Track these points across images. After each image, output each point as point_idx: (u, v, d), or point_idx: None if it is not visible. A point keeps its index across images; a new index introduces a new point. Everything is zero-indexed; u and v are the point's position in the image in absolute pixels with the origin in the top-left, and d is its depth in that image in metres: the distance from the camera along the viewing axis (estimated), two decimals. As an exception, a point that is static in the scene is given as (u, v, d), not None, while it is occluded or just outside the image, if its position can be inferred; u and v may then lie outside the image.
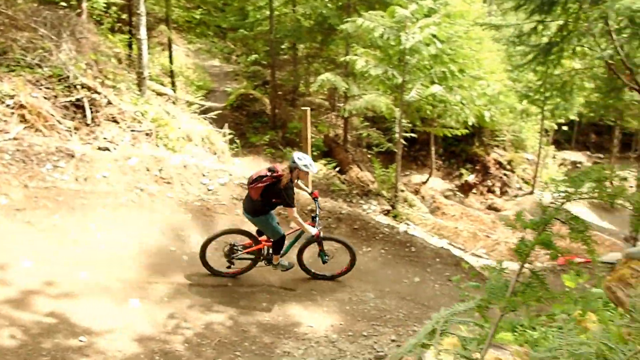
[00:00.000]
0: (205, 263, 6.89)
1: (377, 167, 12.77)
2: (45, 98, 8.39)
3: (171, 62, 15.49)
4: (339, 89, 12.76)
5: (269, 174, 6.32)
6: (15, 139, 7.69)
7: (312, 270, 7.26)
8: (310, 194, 7.14)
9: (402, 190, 12.47)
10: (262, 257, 6.99)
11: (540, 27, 6.66)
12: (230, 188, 8.45)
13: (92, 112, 8.62)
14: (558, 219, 1.86)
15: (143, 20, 9.69)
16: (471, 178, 20.02)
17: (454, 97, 11.69)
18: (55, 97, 8.52)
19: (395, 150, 11.94)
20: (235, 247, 6.85)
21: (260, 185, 6.30)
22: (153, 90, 11.71)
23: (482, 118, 13.11)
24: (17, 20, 8.90)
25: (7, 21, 8.86)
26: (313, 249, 7.10)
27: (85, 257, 6.73)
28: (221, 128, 11.26)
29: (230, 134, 11.56)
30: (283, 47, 15.67)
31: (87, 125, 8.53)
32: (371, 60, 11.24)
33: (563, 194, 1.83)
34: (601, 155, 35.82)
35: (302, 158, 6.31)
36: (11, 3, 9.15)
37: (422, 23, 11.03)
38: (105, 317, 5.60)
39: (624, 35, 5.82)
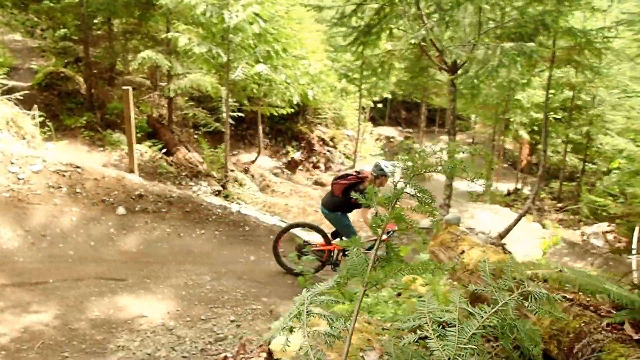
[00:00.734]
0: (276, 255, 7.13)
1: (206, 147, 12.53)
2: None
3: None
4: (161, 67, 12.20)
5: (354, 174, 6.62)
6: None
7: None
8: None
9: (232, 170, 12.41)
10: (330, 261, 7.13)
11: (360, 9, 7.01)
12: (46, 176, 7.71)
13: None
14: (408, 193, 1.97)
15: None
16: (297, 155, 20.58)
17: (278, 76, 11.84)
18: None
19: (223, 130, 11.81)
20: (306, 244, 7.01)
21: (344, 182, 6.52)
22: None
23: (305, 97, 13.48)
24: None
25: None
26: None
27: None
28: (29, 110, 10.16)
29: (40, 116, 10.48)
30: (96, 21, 14.50)
31: None
32: (194, 38, 10.90)
33: (411, 169, 1.93)
34: (411, 130, 39.13)
35: (388, 166, 6.32)
36: None
37: (245, 1, 10.95)
38: None
39: (434, 19, 6.36)
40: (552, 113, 19.39)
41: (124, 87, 8.23)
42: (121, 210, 7.61)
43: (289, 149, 20.63)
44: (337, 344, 2.73)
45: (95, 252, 7.02)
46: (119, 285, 6.62)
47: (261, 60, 11.25)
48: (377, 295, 4.38)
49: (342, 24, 7.18)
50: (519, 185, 22.84)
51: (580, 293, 2.43)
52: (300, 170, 20.48)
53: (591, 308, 2.31)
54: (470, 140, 40.45)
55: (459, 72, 7.28)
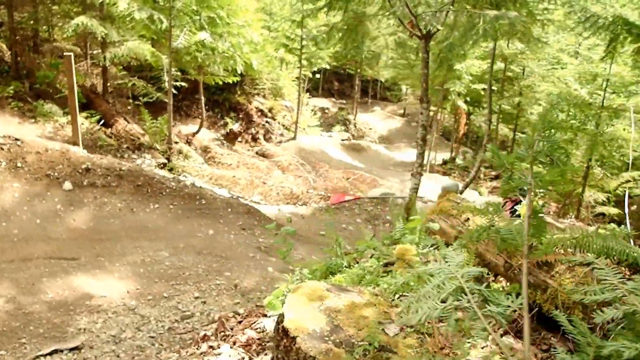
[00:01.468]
0: None
1: (148, 118, 11.98)
2: None
3: None
4: (96, 34, 11.46)
5: None
6: None
7: None
8: None
9: (176, 142, 11.96)
10: None
11: None
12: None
13: None
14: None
15: None
16: (236, 127, 20.16)
17: (223, 44, 11.43)
18: None
19: (166, 100, 11.33)
20: None
21: None
22: None
23: (250, 66, 13.12)
24: None
25: None
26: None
27: None
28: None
29: (-38, 85, 9.67)
30: (19, -18, 13.45)
31: None
32: (134, 3, 10.30)
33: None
34: (344, 101, 39.29)
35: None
36: None
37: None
38: None
39: None
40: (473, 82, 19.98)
41: (65, 54, 7.67)
42: (67, 185, 7.15)
43: (228, 120, 20.14)
44: (354, 319, 2.65)
45: (42, 230, 6.58)
46: (71, 265, 6.25)
47: (205, 27, 10.79)
48: (362, 265, 4.31)
49: None
50: (454, 154, 23.49)
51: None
52: (239, 142, 20.09)
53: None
54: (402, 112, 41.18)
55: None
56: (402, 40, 17.41)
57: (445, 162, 22.25)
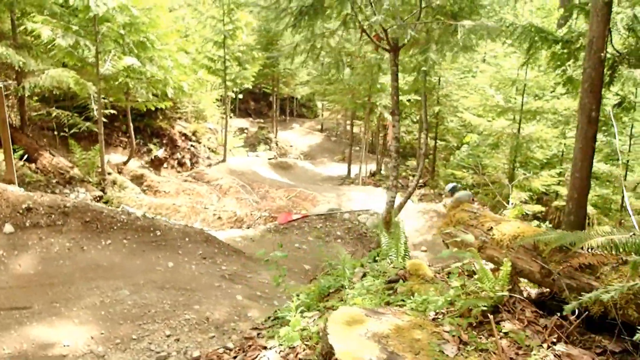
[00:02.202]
0: None
1: (78, 150, 11.30)
2: None
3: None
4: (14, 64, 10.70)
5: None
6: None
7: None
8: None
9: (109, 173, 11.35)
10: None
11: None
12: None
13: None
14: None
15: None
16: (160, 153, 19.52)
17: (152, 68, 11.02)
18: None
19: (95, 129, 10.76)
20: None
21: None
22: None
23: (180, 89, 12.74)
24: None
25: None
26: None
27: None
28: None
29: None
30: None
31: None
32: (59, 30, 9.73)
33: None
34: (262, 120, 39.24)
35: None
36: None
37: (112, -13, 10.04)
38: None
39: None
40: (406, 95, 20.53)
41: (-6, 85, 7.08)
42: (8, 227, 6.57)
43: (151, 146, 19.45)
44: (406, 343, 2.56)
45: (-14, 280, 5.99)
46: (24, 315, 5.73)
47: (135, 51, 10.37)
48: (364, 285, 4.23)
49: (277, 7, 6.77)
50: (380, 166, 23.94)
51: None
52: (165, 167, 19.46)
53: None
54: (320, 127, 41.66)
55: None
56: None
57: (373, 174, 22.63)
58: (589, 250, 2.71)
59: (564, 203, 17.55)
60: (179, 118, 21.77)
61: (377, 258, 5.11)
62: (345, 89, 18.87)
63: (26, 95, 11.45)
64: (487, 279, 2.74)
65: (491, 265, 3.37)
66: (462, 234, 2.92)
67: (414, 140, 25.51)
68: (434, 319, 2.87)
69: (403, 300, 3.64)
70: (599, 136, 14.95)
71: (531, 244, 2.80)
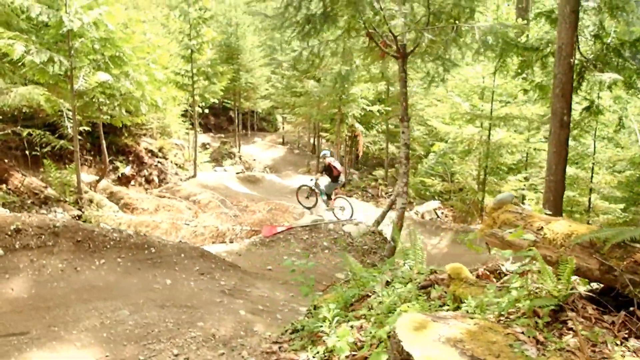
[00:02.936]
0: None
1: (52, 169, 10.90)
2: None
3: None
4: (-21, 81, 10.31)
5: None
6: None
7: None
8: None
9: (86, 192, 11.00)
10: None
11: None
12: None
13: None
14: None
15: None
16: (127, 170, 19.10)
17: (129, 83, 10.78)
18: None
19: (69, 147, 10.43)
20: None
21: None
22: None
23: (154, 105, 12.50)
24: None
25: None
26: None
27: None
28: None
29: None
30: None
31: None
32: (32, 46, 9.43)
33: None
34: (222, 135, 38.99)
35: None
36: None
37: (85, 2, 9.81)
38: None
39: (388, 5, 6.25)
40: (376, 106, 20.80)
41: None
42: (-3, 251, 6.28)
43: (118, 164, 19.00)
44: (484, 346, 2.53)
45: (-23, 306, 5.69)
46: (22, 341, 5.44)
47: (112, 66, 10.12)
48: (394, 292, 4.20)
49: (287, 15, 6.67)
50: (350, 177, 24.07)
51: None
52: (132, 185, 19.03)
53: None
54: (281, 140, 41.68)
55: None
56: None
57: (343, 185, 22.68)
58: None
59: (533, 207, 18.04)
60: (144, 134, 21.38)
61: (394, 265, 5.09)
62: (313, 101, 18.91)
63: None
64: (550, 278, 2.76)
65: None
66: (527, 234, 2.93)
67: (380, 150, 25.76)
68: (499, 321, 2.86)
69: (442, 305, 3.64)
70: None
71: (587, 241, 2.84)
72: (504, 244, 3.31)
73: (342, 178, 13.60)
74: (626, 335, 2.62)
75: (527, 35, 14.07)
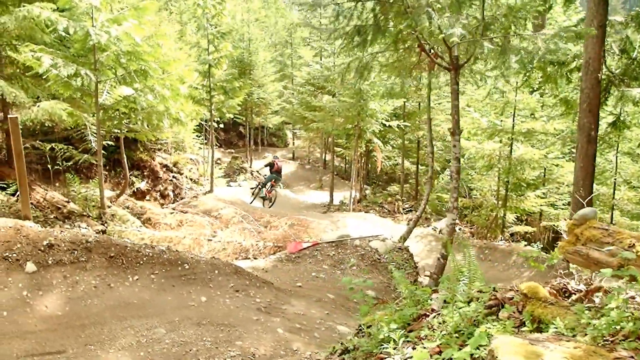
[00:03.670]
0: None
1: (76, 184, 10.80)
2: None
3: None
4: (5, 97, 10.20)
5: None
6: None
7: None
8: None
9: (109, 206, 10.87)
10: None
11: (359, 5, 6.39)
12: None
13: None
14: None
15: None
16: (143, 185, 18.98)
17: (152, 97, 10.68)
18: None
19: (94, 161, 10.34)
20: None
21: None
22: None
23: (177, 120, 12.40)
24: None
25: None
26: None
27: None
28: None
29: None
30: None
31: None
32: (59, 59, 9.36)
33: None
34: (232, 150, 38.98)
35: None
36: None
37: (112, 15, 9.76)
38: None
39: (443, 14, 6.11)
40: (387, 120, 20.66)
41: (10, 115, 6.66)
42: (30, 266, 6.12)
43: (133, 179, 18.89)
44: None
45: (13, 324, 5.52)
46: (56, 360, 5.28)
47: (137, 80, 10.04)
48: (457, 311, 4.00)
49: (336, 25, 6.54)
50: (363, 192, 23.90)
51: None
52: (147, 200, 18.91)
53: None
54: (291, 156, 41.64)
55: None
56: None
57: (359, 200, 22.54)
58: None
59: (553, 223, 17.80)
60: (159, 149, 21.30)
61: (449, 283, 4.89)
62: (330, 116, 18.82)
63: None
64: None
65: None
66: (625, 252, 2.76)
67: (395, 165, 25.62)
68: (598, 345, 2.67)
69: (519, 326, 3.45)
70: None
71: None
72: (589, 261, 3.13)
73: (281, 176, 19.21)
74: None
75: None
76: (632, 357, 2.46)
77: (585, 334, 2.85)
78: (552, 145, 15.64)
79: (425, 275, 12.04)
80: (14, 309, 5.73)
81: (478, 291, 4.37)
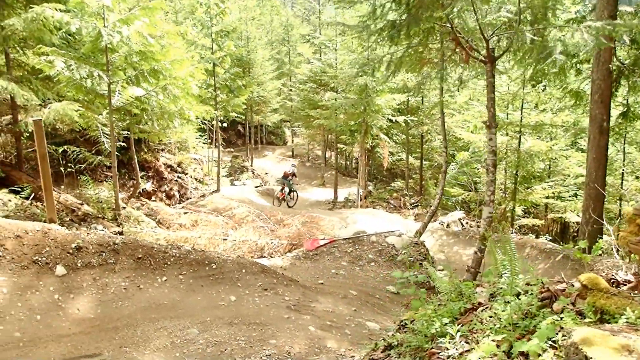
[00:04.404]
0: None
1: (91, 186, 10.73)
2: None
3: None
4: (16, 99, 10.13)
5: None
6: None
7: None
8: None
9: (124, 207, 10.82)
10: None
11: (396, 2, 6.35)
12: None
13: None
14: None
15: None
16: (148, 186, 18.89)
17: (166, 98, 10.62)
18: None
19: (109, 164, 10.27)
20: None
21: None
22: None
23: (188, 120, 12.34)
24: None
25: None
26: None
27: None
28: None
29: None
30: None
31: None
32: (71, 61, 9.29)
33: None
34: (232, 149, 38.88)
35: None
36: None
37: (123, 15, 9.69)
38: None
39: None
40: (393, 115, 20.62)
41: (34, 118, 6.60)
42: (60, 269, 6.08)
43: (135, 180, 18.78)
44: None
45: (47, 327, 5.49)
46: (93, 362, 5.25)
47: (149, 80, 9.97)
48: (512, 304, 3.98)
49: (377, 17, 6.45)
50: (368, 188, 23.87)
51: None
52: (153, 200, 18.83)
53: None
54: (290, 153, 41.58)
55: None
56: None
57: (366, 197, 22.52)
58: None
59: (560, 215, 17.83)
60: (162, 150, 21.21)
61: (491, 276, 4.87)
62: (334, 112, 18.77)
63: (30, 130, 10.88)
64: None
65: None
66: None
67: (398, 161, 25.61)
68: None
69: (581, 317, 3.43)
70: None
71: None
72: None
73: (288, 178, 20.67)
74: None
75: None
76: None
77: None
78: (562, 138, 15.66)
79: (438, 270, 12.04)
80: (47, 313, 5.69)
81: (526, 284, 4.35)
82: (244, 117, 33.65)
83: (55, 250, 6.23)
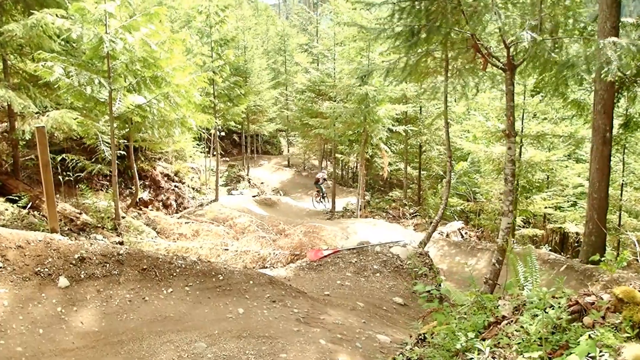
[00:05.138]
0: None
1: (89, 195, 10.55)
2: None
3: None
4: (13, 107, 9.94)
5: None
6: None
7: None
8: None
9: (124, 217, 10.62)
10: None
11: (415, 6, 6.22)
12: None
13: None
14: None
15: None
16: (145, 195, 18.69)
17: (168, 105, 10.46)
18: None
19: (107, 172, 10.09)
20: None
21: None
22: None
23: (189, 128, 12.18)
24: None
25: None
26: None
27: None
28: None
29: None
30: None
31: None
32: (71, 68, 9.14)
33: None
34: (228, 159, 38.71)
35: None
36: None
37: (128, 22, 9.56)
38: None
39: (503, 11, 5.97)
40: (393, 125, 20.55)
41: (37, 125, 6.43)
42: (63, 281, 5.90)
43: (134, 188, 18.57)
44: None
45: (50, 342, 5.30)
46: (101, 378, 5.06)
47: (152, 87, 9.82)
48: (540, 319, 3.84)
49: (388, 25, 6.34)
50: (367, 198, 23.76)
51: None
52: (150, 210, 18.62)
53: None
54: (286, 163, 41.45)
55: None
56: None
57: (365, 206, 22.40)
58: None
59: (559, 225, 17.76)
60: (159, 158, 21.02)
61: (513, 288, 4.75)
62: (333, 122, 18.66)
63: (27, 138, 10.71)
64: None
65: None
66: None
67: (396, 171, 25.51)
68: None
69: (615, 331, 3.30)
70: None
71: None
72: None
73: (319, 183, 24.23)
74: None
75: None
76: None
77: None
78: (562, 148, 15.60)
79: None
80: (50, 326, 5.50)
81: (552, 297, 4.22)
82: (240, 127, 33.54)
83: (57, 261, 6.04)
